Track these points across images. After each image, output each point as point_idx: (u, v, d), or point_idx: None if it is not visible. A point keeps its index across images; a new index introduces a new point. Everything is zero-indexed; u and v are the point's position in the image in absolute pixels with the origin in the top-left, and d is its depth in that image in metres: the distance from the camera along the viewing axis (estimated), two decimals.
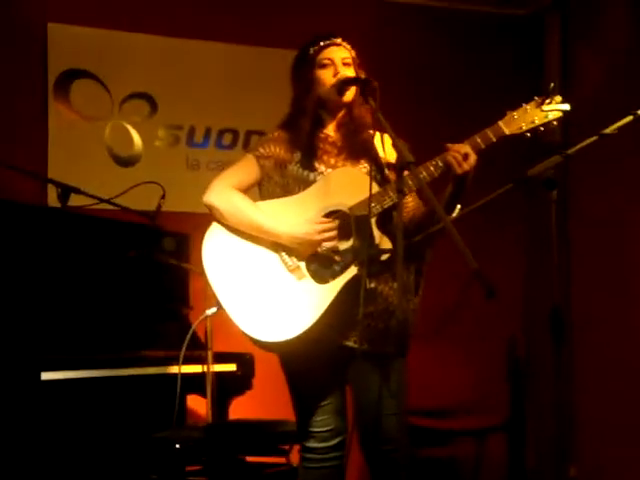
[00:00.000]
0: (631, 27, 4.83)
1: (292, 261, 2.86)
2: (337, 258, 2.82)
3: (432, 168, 2.77)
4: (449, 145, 2.78)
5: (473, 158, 2.76)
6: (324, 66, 2.92)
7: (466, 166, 2.75)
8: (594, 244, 4.99)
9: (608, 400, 4.79)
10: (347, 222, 2.83)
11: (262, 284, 2.86)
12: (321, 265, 2.84)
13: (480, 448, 4.72)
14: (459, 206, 2.82)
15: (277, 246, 2.88)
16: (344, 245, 2.83)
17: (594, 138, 2.71)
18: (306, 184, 2.90)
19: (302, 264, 2.85)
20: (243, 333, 2.84)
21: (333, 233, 2.83)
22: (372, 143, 2.82)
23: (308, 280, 2.83)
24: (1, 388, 3.34)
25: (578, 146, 2.71)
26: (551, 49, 5.36)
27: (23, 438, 3.44)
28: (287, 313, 2.81)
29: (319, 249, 2.83)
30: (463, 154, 2.75)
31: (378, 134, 2.84)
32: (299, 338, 2.79)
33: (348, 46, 2.96)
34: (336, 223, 2.84)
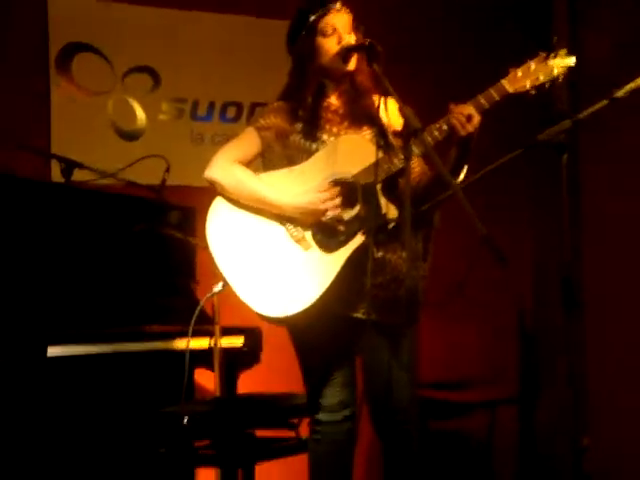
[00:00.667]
0: None
1: (297, 231, 2.82)
2: (341, 227, 2.78)
3: (436, 132, 2.71)
4: (452, 106, 2.71)
5: (477, 119, 2.69)
6: (326, 34, 2.85)
7: (470, 128, 2.68)
8: (606, 212, 4.94)
9: (621, 371, 4.76)
10: (351, 190, 2.79)
11: (268, 257, 2.82)
12: (326, 234, 2.80)
13: (492, 420, 4.70)
14: (466, 167, 2.77)
15: (281, 218, 2.84)
16: (349, 214, 2.79)
17: (605, 102, 2.65)
18: (309, 154, 2.86)
19: (308, 234, 2.81)
20: (251, 309, 2.80)
21: (337, 201, 2.79)
22: (375, 109, 2.77)
23: (314, 250, 2.80)
24: (8, 363, 3.32)
25: (589, 110, 2.65)
26: (558, 15, 5.29)
27: (30, 414, 3.44)
28: (294, 286, 2.78)
29: (323, 218, 2.79)
30: (466, 115, 2.68)
31: (382, 100, 2.78)
32: (306, 311, 2.76)
33: (347, 10, 2.88)
34: (339, 191, 2.79)
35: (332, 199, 2.79)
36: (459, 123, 2.68)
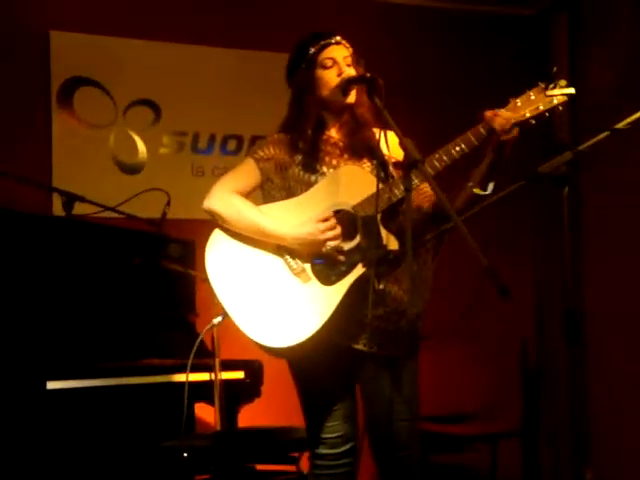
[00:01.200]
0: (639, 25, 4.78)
1: (297, 264, 2.80)
2: (341, 258, 2.76)
3: (436, 162, 2.70)
4: (488, 113, 2.71)
5: (517, 130, 2.70)
6: (326, 67, 2.85)
7: (510, 135, 2.69)
8: (608, 243, 4.94)
9: (623, 403, 4.73)
10: (351, 221, 2.78)
11: (267, 289, 2.81)
12: (326, 266, 2.79)
13: (494, 454, 4.66)
14: (493, 183, 2.75)
15: (281, 249, 2.83)
16: (348, 245, 2.78)
17: (606, 133, 2.65)
18: (308, 186, 2.85)
19: (307, 266, 2.80)
20: (251, 340, 2.79)
21: (337, 232, 2.78)
22: (375, 141, 2.77)
23: (314, 282, 2.78)
24: (7, 397, 3.31)
25: (590, 142, 2.65)
26: (558, 48, 5.33)
27: (29, 447, 3.41)
28: (294, 317, 2.76)
29: (323, 249, 2.78)
30: (511, 123, 2.68)
31: (381, 132, 2.78)
32: (307, 342, 2.73)
33: (347, 44, 2.90)
34: (338, 221, 2.79)
35: (332, 229, 2.78)
36: (502, 128, 2.68)
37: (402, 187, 2.57)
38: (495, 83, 5.21)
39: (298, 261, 2.81)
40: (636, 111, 2.64)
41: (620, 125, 2.63)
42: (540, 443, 4.99)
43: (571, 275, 2.71)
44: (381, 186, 2.70)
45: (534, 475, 4.93)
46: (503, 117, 2.69)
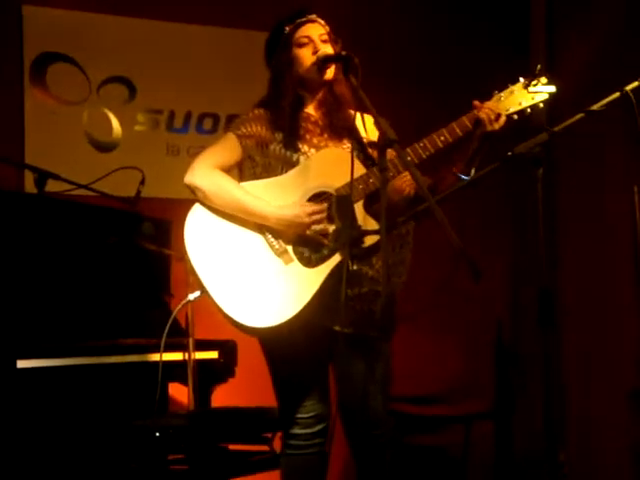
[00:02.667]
0: (619, 6, 4.77)
1: (279, 244, 2.79)
2: (325, 241, 2.75)
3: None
4: (478, 103, 2.78)
5: (503, 119, 2.78)
6: (302, 45, 2.86)
7: (496, 125, 2.76)
8: (581, 225, 4.95)
9: (597, 384, 4.76)
10: (334, 203, 2.78)
11: (248, 267, 2.79)
12: (309, 248, 2.78)
13: (467, 435, 4.68)
14: (474, 169, 2.81)
15: (262, 228, 2.82)
16: (332, 228, 2.77)
17: (581, 115, 2.65)
18: (289, 165, 2.84)
19: (289, 247, 2.79)
20: (227, 317, 2.76)
21: (322, 215, 2.78)
22: (353, 122, 2.77)
23: (296, 264, 2.77)
24: None
25: (565, 123, 2.65)
26: (536, 28, 5.31)
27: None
28: (276, 298, 2.75)
29: (308, 232, 2.76)
30: (496, 114, 2.76)
31: (358, 114, 2.77)
32: (285, 324, 2.73)
33: (323, 22, 2.90)
34: (325, 205, 2.78)
35: (318, 213, 2.77)
36: (487, 118, 2.75)
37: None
38: (475, 63, 5.21)
39: (281, 242, 2.80)
40: (612, 93, 2.65)
41: (595, 107, 2.64)
42: (513, 425, 5.02)
43: (545, 257, 2.71)
44: (363, 170, 2.70)
45: (507, 456, 4.96)
46: (489, 107, 2.76)
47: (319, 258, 2.77)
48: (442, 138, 2.75)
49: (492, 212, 5.25)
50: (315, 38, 2.84)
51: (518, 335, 5.18)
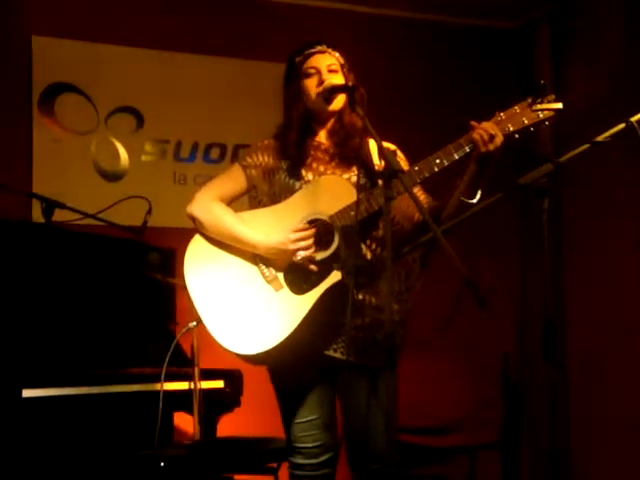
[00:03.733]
0: (623, 40, 4.81)
1: (269, 272, 2.81)
2: (312, 267, 2.75)
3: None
4: (474, 123, 2.70)
5: (500, 139, 2.67)
6: (309, 75, 2.87)
7: (491, 146, 2.67)
8: (587, 254, 4.95)
9: (603, 415, 4.73)
10: (327, 231, 2.77)
11: (240, 296, 2.81)
12: (297, 275, 2.78)
13: (474, 466, 4.65)
14: (480, 192, 2.75)
15: (256, 257, 2.83)
16: (322, 254, 2.77)
17: (586, 146, 2.65)
18: (291, 193, 2.85)
19: (280, 275, 2.80)
20: (221, 346, 2.77)
21: (308, 242, 2.77)
22: (365, 149, 2.77)
23: (285, 291, 2.78)
24: None
25: (570, 154, 2.65)
26: (541, 61, 5.34)
27: (3, 456, 3.37)
28: (264, 324, 2.76)
29: (294, 258, 2.77)
30: (490, 134, 2.67)
31: (372, 140, 2.78)
32: (277, 349, 2.73)
33: (334, 52, 2.89)
34: (312, 232, 2.78)
35: (304, 239, 2.77)
36: (481, 139, 2.67)
37: (380, 198, 2.56)
38: (480, 95, 5.24)
39: (272, 269, 2.81)
40: (617, 124, 2.65)
41: (600, 138, 2.63)
42: (521, 455, 4.99)
43: (551, 288, 2.71)
44: (360, 196, 2.70)
45: None
46: (483, 128, 2.69)
47: (309, 285, 2.77)
48: (437, 161, 2.69)
49: (499, 244, 5.25)
50: (322, 69, 2.85)
51: (525, 366, 5.16)
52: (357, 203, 2.64)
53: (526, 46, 5.50)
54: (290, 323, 2.73)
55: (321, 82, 2.83)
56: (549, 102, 2.74)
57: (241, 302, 2.79)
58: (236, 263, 2.84)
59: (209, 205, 2.88)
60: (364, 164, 2.82)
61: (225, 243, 2.86)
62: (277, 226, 2.80)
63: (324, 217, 2.78)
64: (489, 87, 5.30)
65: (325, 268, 2.75)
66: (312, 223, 2.79)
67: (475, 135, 2.68)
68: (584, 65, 5.07)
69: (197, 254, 2.88)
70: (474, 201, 2.75)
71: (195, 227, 2.92)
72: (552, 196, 2.65)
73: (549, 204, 2.62)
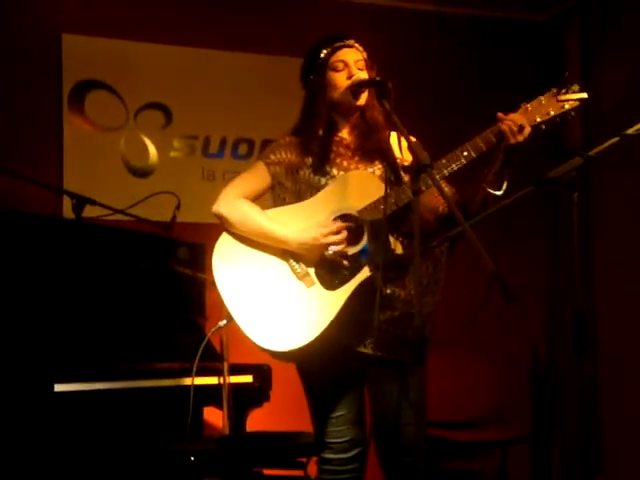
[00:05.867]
0: None
1: (301, 268, 2.80)
2: (345, 263, 2.75)
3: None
4: (501, 115, 2.72)
5: (527, 130, 2.70)
6: (337, 69, 2.86)
7: (520, 137, 2.69)
8: (618, 248, 4.91)
9: (634, 409, 4.70)
10: (357, 226, 2.77)
11: (271, 293, 2.81)
12: (329, 271, 2.78)
13: (504, 460, 4.63)
14: (506, 183, 2.76)
15: (286, 253, 2.83)
16: (353, 249, 2.77)
17: (616, 139, 2.63)
18: (318, 189, 2.85)
19: (311, 270, 2.80)
20: (252, 341, 2.77)
21: (340, 236, 2.77)
22: (387, 144, 2.77)
23: (317, 287, 2.78)
24: (14, 399, 3.31)
25: (600, 147, 2.63)
26: (571, 54, 5.31)
27: (36, 450, 3.40)
28: (297, 322, 2.75)
29: (326, 253, 2.77)
30: (518, 125, 2.68)
31: (394, 134, 2.78)
32: (310, 345, 2.73)
33: (360, 47, 2.90)
34: (344, 226, 2.78)
35: (335, 234, 2.77)
36: (509, 130, 2.69)
37: (409, 192, 2.56)
38: (509, 88, 5.20)
39: (302, 265, 2.80)
40: None
41: (630, 131, 2.61)
42: (551, 450, 4.96)
43: (580, 282, 2.69)
44: (389, 190, 2.70)
45: None
46: (511, 119, 2.70)
47: (340, 280, 2.77)
48: (465, 154, 2.70)
49: (526, 238, 5.22)
50: (351, 63, 2.85)
51: (554, 362, 5.14)
52: (385, 197, 2.64)
53: (556, 38, 5.46)
54: (323, 319, 2.72)
55: (350, 76, 2.83)
56: (574, 92, 2.74)
57: (273, 298, 2.79)
58: (265, 260, 2.84)
59: (236, 203, 2.89)
60: (386, 158, 2.82)
61: (252, 240, 2.86)
62: (306, 222, 2.80)
63: (353, 212, 2.78)
64: (519, 80, 5.26)
65: (357, 262, 2.75)
66: (341, 218, 2.80)
67: (504, 126, 2.69)
68: (614, 57, 5.02)
69: (225, 252, 2.88)
70: (500, 193, 2.75)
71: (222, 225, 2.92)
72: (582, 189, 2.63)
73: (579, 198, 2.62)
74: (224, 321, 3.08)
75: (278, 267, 2.83)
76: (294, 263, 2.81)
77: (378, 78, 2.75)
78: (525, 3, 5.42)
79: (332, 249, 2.76)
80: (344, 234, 2.77)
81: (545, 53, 5.48)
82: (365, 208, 2.76)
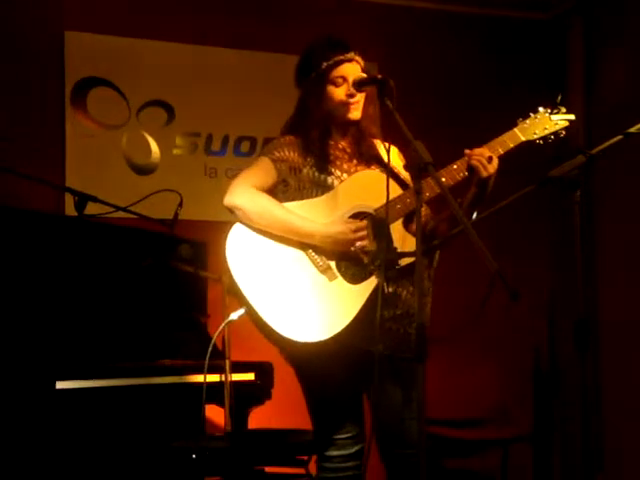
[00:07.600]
0: None
1: (322, 260, 2.81)
2: (366, 259, 2.77)
3: (456, 174, 2.79)
4: (468, 151, 2.79)
5: (496, 161, 2.78)
6: (337, 84, 2.90)
7: (491, 169, 2.76)
8: (621, 247, 4.91)
9: (636, 409, 4.70)
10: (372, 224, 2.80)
11: (292, 284, 2.80)
12: (352, 265, 2.80)
13: (506, 459, 4.63)
14: (476, 213, 2.82)
15: (304, 245, 2.83)
16: (374, 246, 2.79)
17: (618, 137, 2.64)
18: (323, 187, 2.87)
19: (332, 264, 2.81)
20: (274, 333, 2.74)
21: (365, 232, 2.78)
22: (377, 151, 2.87)
23: (340, 281, 2.79)
24: (16, 397, 3.31)
25: (602, 146, 2.64)
26: (573, 52, 5.30)
27: (38, 447, 3.41)
28: (322, 314, 2.76)
29: (352, 248, 2.79)
30: (487, 157, 2.76)
31: (380, 143, 2.88)
32: (334, 339, 2.74)
33: (359, 59, 2.93)
34: (367, 223, 2.79)
35: (361, 230, 2.79)
36: (481, 165, 2.76)
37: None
38: (511, 86, 5.22)
39: (324, 258, 2.81)
40: None
41: (633, 129, 2.62)
42: (553, 449, 4.97)
43: (583, 282, 2.69)
44: (401, 191, 2.79)
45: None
46: (479, 153, 2.77)
47: (364, 274, 2.79)
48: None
49: (528, 237, 5.23)
50: (350, 79, 2.88)
51: (556, 358, 5.14)
52: (387, 197, 2.65)
53: (558, 37, 5.46)
54: (349, 312, 2.75)
55: (348, 93, 2.87)
56: (563, 113, 2.89)
57: (295, 290, 2.78)
58: (284, 252, 2.83)
59: (254, 195, 2.86)
60: (383, 163, 2.84)
61: (267, 232, 2.84)
62: (325, 218, 2.83)
63: (369, 210, 2.81)
64: (521, 78, 5.27)
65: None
66: (359, 216, 2.82)
67: (474, 162, 2.77)
68: (616, 55, 5.02)
69: (240, 243, 2.85)
70: (471, 221, 2.80)
71: (234, 218, 2.87)
72: (585, 187, 2.64)
73: (581, 196, 2.62)
74: (240, 311, 3.02)
75: (298, 259, 2.83)
76: (315, 255, 2.82)
77: (379, 76, 2.76)
78: (528, 2, 5.42)
79: (357, 244, 2.78)
80: (368, 230, 2.78)
81: (547, 52, 5.48)
82: (381, 207, 2.79)
